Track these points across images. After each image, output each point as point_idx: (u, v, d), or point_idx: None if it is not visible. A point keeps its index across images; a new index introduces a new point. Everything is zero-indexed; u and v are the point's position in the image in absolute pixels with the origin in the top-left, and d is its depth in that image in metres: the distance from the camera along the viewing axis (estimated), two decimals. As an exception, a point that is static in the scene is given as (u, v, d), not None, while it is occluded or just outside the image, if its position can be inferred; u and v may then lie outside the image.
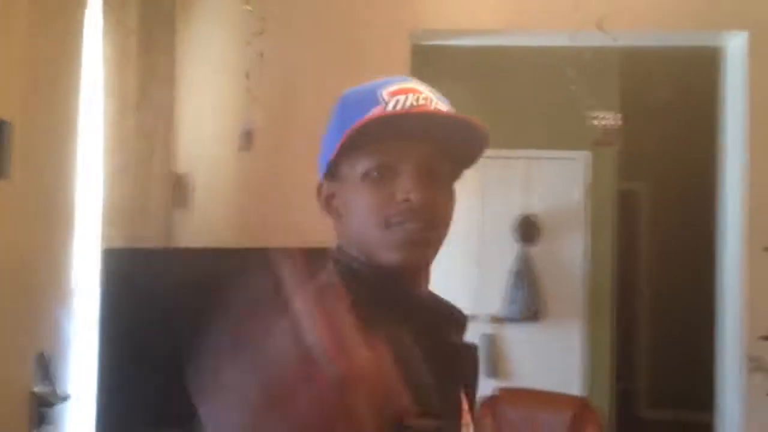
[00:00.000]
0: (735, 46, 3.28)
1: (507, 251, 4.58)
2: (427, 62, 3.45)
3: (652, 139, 5.13)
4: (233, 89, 3.18)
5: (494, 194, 4.52)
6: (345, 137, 0.95)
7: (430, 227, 0.98)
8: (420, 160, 0.97)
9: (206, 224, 3.21)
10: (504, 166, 4.40)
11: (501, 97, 4.49)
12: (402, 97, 0.99)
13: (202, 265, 2.83)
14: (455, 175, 1.04)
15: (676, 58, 3.94)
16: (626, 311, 5.29)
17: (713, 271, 3.47)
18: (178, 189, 3.15)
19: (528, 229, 4.54)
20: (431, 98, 1.01)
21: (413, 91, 1.00)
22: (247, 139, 2.87)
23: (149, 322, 2.62)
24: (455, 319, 1.04)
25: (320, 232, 3.53)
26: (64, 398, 2.53)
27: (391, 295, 0.98)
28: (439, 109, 1.00)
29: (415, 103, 0.98)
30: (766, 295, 3.13)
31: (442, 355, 0.97)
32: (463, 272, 4.40)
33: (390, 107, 0.98)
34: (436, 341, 0.98)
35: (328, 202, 1.05)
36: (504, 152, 4.25)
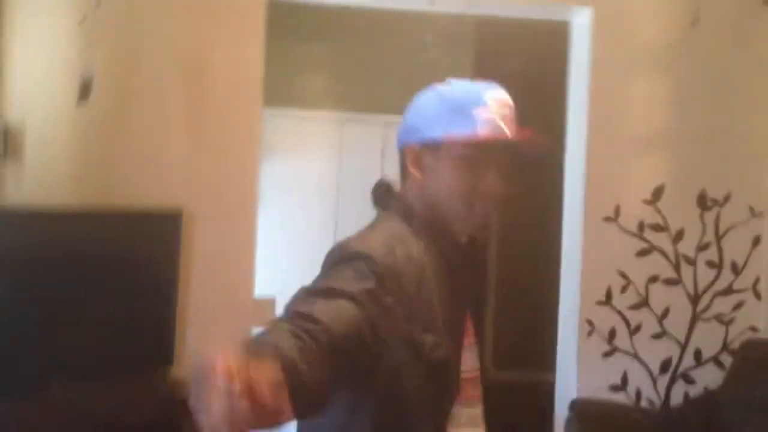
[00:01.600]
0: (580, 22, 3.39)
1: (364, 214, 4.55)
2: (285, 20, 3.33)
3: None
4: (70, 36, 2.93)
5: (352, 157, 4.47)
6: (473, 143, 1.24)
7: (495, 214, 1.31)
8: (504, 163, 1.27)
9: (40, 180, 2.96)
10: (362, 130, 4.37)
11: (359, 60, 4.43)
12: (502, 110, 1.26)
13: (27, 225, 2.62)
14: None
15: (530, 31, 4.02)
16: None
17: (559, 239, 3.60)
18: (6, 139, 2.88)
19: (383, 194, 4.52)
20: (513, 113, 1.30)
21: (506, 104, 1.28)
22: (85, 89, 2.65)
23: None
24: (477, 262, 1.48)
25: (162, 192, 3.36)
26: None
27: (451, 248, 1.30)
28: (532, 139, 1.28)
29: (508, 119, 1.27)
30: (602, 263, 3.29)
31: (464, 289, 1.33)
32: (321, 230, 4.34)
33: (497, 121, 1.25)
34: (465, 280, 1.33)
35: (418, 161, 1.29)
36: (362, 116, 4.21)
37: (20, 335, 2.53)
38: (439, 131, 1.25)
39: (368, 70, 4.40)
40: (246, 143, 3.22)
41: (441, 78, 1.39)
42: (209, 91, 3.15)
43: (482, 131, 1.24)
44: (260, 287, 3.35)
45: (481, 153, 1.25)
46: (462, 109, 1.25)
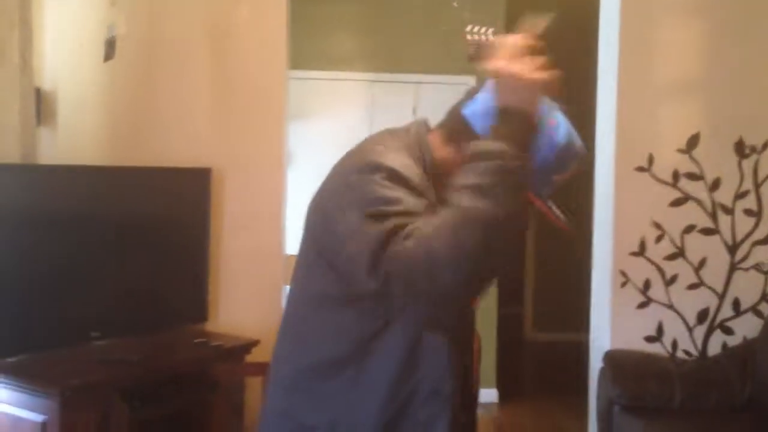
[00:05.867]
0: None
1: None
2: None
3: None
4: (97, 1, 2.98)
5: (383, 117, 4.44)
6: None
7: None
8: None
9: (73, 142, 3.03)
10: (392, 90, 4.35)
11: (387, 18, 4.40)
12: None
13: (63, 182, 2.68)
14: None
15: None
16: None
17: (591, 190, 3.53)
18: (43, 105, 2.95)
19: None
20: None
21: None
22: (110, 49, 2.69)
23: (6, 241, 2.48)
24: None
25: (190, 151, 3.39)
26: None
27: None
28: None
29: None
30: (635, 213, 3.23)
31: None
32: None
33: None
34: None
35: (458, 138, 1.27)
36: (390, 76, 4.19)
37: (61, 289, 2.60)
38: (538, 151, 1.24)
39: (397, 29, 4.36)
40: (272, 103, 3.24)
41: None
42: (234, 52, 3.18)
43: (543, 202, 1.29)
44: (291, 246, 3.37)
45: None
46: (548, 172, 1.28)
